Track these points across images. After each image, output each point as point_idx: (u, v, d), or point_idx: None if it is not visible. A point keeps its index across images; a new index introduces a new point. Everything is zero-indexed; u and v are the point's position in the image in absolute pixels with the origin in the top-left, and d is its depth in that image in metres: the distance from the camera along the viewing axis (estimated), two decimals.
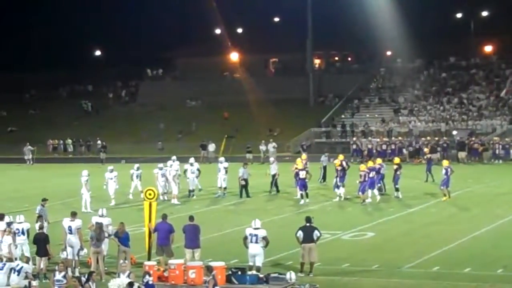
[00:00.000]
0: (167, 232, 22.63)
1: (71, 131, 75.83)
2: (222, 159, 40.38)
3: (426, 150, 47.20)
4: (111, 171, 37.09)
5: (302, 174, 35.73)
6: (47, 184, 47.48)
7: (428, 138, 58.06)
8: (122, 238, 22.59)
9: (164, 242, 22.56)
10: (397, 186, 36.45)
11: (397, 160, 38.61)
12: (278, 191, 39.09)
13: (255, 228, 21.66)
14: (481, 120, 64.46)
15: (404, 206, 34.09)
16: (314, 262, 21.96)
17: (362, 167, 35.80)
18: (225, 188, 38.81)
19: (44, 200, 27.40)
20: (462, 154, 54.65)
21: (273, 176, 39.11)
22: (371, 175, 35.29)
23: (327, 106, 75.88)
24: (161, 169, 37.62)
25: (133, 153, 64.08)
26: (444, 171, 35.43)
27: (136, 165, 39.02)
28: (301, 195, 35.79)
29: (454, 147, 55.92)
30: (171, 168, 37.54)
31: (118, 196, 37.30)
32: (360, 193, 35.04)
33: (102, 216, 23.67)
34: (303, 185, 35.73)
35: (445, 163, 36.46)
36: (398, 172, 36.51)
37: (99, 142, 71.09)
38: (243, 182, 37.88)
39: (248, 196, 37.86)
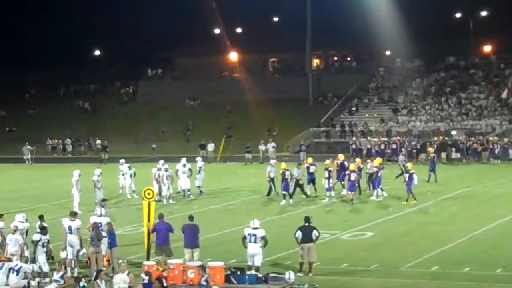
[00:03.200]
0: (166, 232, 22.64)
1: (70, 130, 75.78)
2: (198, 158, 40.35)
3: (430, 149, 46.73)
4: (100, 174, 36.30)
5: (286, 175, 35.49)
6: (46, 184, 47.50)
7: (436, 138, 57.72)
8: (110, 238, 22.62)
9: (163, 242, 22.56)
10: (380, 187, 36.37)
11: (379, 160, 38.47)
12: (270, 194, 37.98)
13: (254, 228, 21.67)
14: (480, 120, 64.46)
15: (403, 206, 34.07)
16: (313, 262, 21.97)
17: (352, 166, 35.90)
18: (198, 186, 38.62)
19: (104, 200, 27.05)
20: (443, 155, 54.51)
21: (273, 179, 37.97)
22: (379, 174, 35.37)
23: (326, 106, 75.89)
24: (159, 169, 37.58)
25: (132, 153, 63.97)
26: (407, 174, 34.77)
27: (162, 163, 38.14)
28: (284, 195, 35.62)
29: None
30: (163, 168, 37.43)
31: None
32: (349, 192, 35.09)
33: (101, 216, 23.67)
34: (286, 186, 35.55)
35: (409, 166, 35.78)
36: (379, 174, 36.50)
37: (98, 141, 71.23)
38: (300, 182, 36.88)
39: (306, 195, 36.86)
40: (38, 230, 22.83)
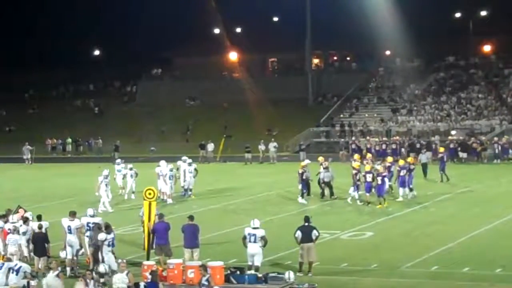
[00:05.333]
0: (165, 231, 22.65)
1: (70, 130, 75.75)
2: (180, 161, 39.22)
3: (441, 149, 46.50)
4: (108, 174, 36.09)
5: (380, 169, 34.72)
6: (46, 184, 47.47)
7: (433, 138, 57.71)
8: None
9: (162, 242, 22.57)
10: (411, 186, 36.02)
11: (411, 159, 38.27)
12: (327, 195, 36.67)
13: (254, 228, 21.66)
14: (480, 120, 64.47)
15: (403, 205, 34.03)
16: (312, 261, 21.96)
17: (367, 167, 35.45)
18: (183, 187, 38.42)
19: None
20: (428, 155, 54.31)
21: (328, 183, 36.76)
22: (401, 173, 35.13)
23: (326, 106, 75.87)
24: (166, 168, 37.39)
25: (133, 153, 63.95)
26: (380, 178, 33.96)
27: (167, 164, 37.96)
28: (302, 194, 35.39)
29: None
30: (166, 169, 37.26)
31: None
32: (366, 193, 34.50)
33: (92, 216, 23.66)
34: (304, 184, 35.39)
35: (381, 169, 34.81)
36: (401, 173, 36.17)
37: (100, 141, 71.31)
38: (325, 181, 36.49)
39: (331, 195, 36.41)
40: (36, 229, 22.79)
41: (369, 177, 34.30)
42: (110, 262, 21.20)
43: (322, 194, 36.49)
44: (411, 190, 35.92)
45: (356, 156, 40.62)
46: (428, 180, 42.43)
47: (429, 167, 44.29)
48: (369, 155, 41.58)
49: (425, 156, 45.78)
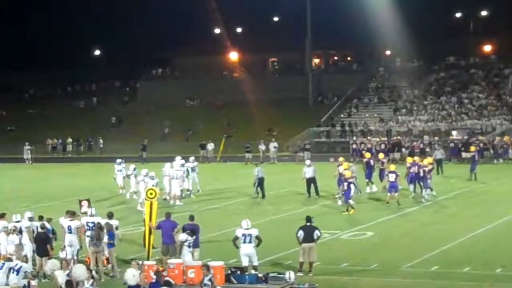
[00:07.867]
0: (171, 230, 22.58)
1: (71, 130, 75.75)
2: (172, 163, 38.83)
3: (472, 148, 46.45)
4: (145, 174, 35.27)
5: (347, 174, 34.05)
6: (47, 184, 47.48)
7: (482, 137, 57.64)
8: (110, 238, 22.60)
9: (168, 241, 22.50)
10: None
11: (429, 160, 38.23)
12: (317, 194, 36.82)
13: (246, 229, 21.57)
14: (480, 120, 64.47)
15: (403, 205, 34.01)
16: (313, 261, 21.96)
17: (392, 167, 34.92)
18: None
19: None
20: (397, 155, 54.06)
21: (312, 179, 36.85)
22: (411, 170, 35.06)
23: (326, 106, 75.84)
24: (183, 165, 37.34)
25: (132, 152, 63.91)
26: (346, 183, 33.04)
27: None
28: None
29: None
30: (174, 168, 37.13)
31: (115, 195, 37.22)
32: (388, 193, 34.04)
33: (92, 215, 23.64)
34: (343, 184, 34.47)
35: (348, 174, 33.72)
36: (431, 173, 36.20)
37: (100, 141, 71.33)
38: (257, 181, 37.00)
39: (263, 196, 37.08)
40: (182, 231, 22.51)
41: (391, 177, 33.98)
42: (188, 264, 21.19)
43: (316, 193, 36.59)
44: (431, 189, 35.69)
45: (367, 155, 40.58)
46: (442, 177, 42.60)
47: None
48: (381, 155, 41.30)
49: (439, 152, 45.97)
